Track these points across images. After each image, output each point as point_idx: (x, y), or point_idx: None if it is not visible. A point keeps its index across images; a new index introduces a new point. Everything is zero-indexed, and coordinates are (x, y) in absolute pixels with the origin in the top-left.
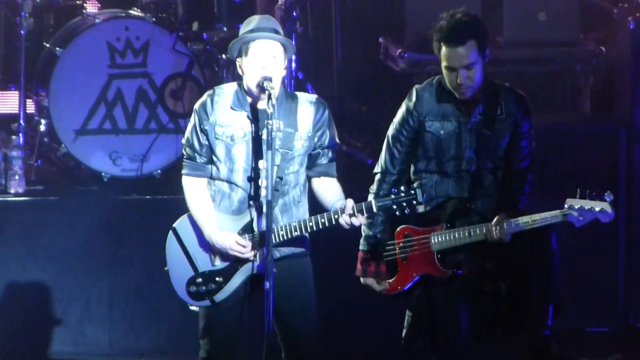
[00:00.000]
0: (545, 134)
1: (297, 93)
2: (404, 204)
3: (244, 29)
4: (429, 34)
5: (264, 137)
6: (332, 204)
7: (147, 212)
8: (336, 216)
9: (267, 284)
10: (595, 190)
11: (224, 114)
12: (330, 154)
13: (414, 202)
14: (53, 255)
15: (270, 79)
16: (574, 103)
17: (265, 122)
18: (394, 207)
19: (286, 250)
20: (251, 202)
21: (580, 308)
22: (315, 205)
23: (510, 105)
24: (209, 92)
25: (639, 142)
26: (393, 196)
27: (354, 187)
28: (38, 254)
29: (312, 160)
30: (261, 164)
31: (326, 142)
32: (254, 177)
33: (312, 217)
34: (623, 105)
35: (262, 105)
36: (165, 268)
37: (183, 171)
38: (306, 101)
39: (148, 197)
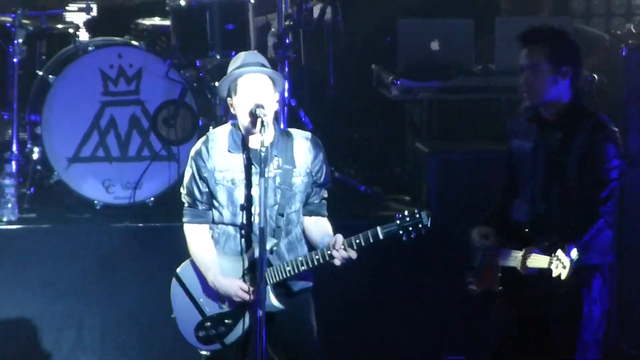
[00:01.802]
0: None
1: (290, 130)
2: (410, 228)
3: (230, 67)
4: (420, 61)
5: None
6: (320, 240)
7: (140, 240)
8: (329, 252)
9: (260, 312)
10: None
11: (221, 158)
12: (323, 193)
13: (420, 225)
14: (45, 282)
15: (262, 106)
16: None
17: (259, 149)
18: (401, 232)
19: (297, 285)
20: (254, 243)
21: None
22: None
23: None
24: (203, 139)
25: (632, 167)
26: (398, 221)
27: (346, 214)
28: (30, 281)
29: (305, 199)
30: (254, 191)
31: (321, 180)
32: (246, 206)
33: (318, 250)
34: None
35: (255, 142)
36: (172, 315)
37: (184, 219)
38: (302, 137)
39: (141, 224)
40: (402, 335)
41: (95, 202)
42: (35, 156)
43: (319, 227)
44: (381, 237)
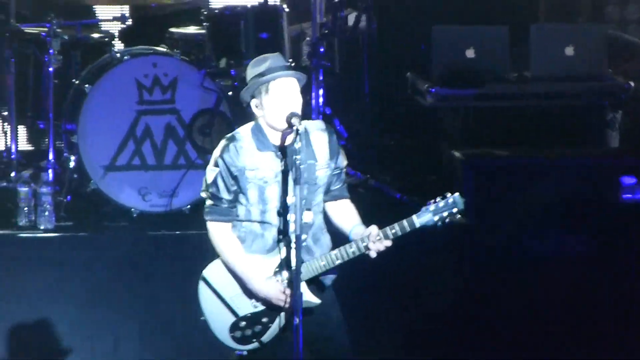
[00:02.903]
0: (572, 169)
1: (304, 123)
2: (445, 213)
3: (256, 68)
4: (456, 69)
5: (292, 173)
6: (350, 229)
7: (177, 248)
8: (364, 244)
9: (297, 320)
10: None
11: (251, 158)
12: (342, 175)
13: (454, 210)
14: (82, 291)
15: (298, 115)
16: (602, 138)
17: (294, 157)
18: (436, 218)
19: (329, 279)
20: (281, 237)
21: None
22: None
23: None
24: (228, 137)
25: None
26: (432, 208)
27: (382, 221)
28: (67, 289)
29: (326, 185)
30: (289, 199)
31: (340, 163)
32: (283, 213)
33: (353, 243)
34: None
35: (284, 141)
36: (202, 318)
37: (207, 217)
38: (317, 129)
39: (177, 232)
40: (435, 337)
41: (132, 210)
42: (71, 165)
43: (345, 211)
44: (417, 225)
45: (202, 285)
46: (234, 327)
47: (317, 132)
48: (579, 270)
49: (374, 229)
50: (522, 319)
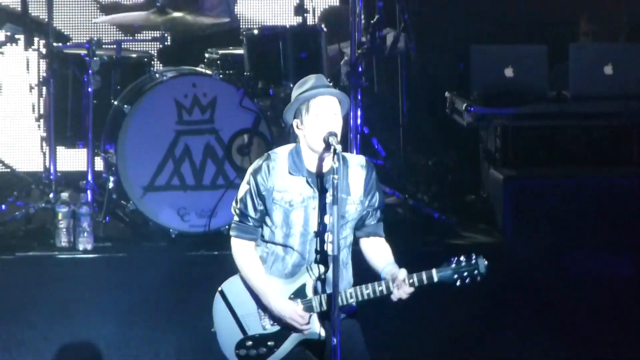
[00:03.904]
0: (611, 189)
1: (345, 155)
2: (465, 274)
3: (298, 90)
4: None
5: (328, 195)
6: (382, 268)
7: (215, 268)
8: (393, 285)
9: (335, 340)
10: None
11: (281, 180)
12: (378, 214)
13: (475, 272)
14: (121, 311)
15: (335, 135)
16: None
17: (331, 177)
18: (455, 276)
19: (340, 315)
20: (309, 268)
21: None
22: (362, 266)
23: None
24: (264, 157)
25: None
26: (454, 265)
27: (420, 242)
28: (107, 310)
29: (360, 221)
30: (327, 219)
31: (376, 204)
32: (319, 233)
33: (370, 285)
34: None
35: (320, 167)
36: (212, 329)
37: (232, 232)
38: (357, 165)
39: (216, 252)
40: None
41: (171, 230)
42: (110, 185)
43: (378, 249)
44: (435, 280)
45: (217, 298)
46: (240, 345)
47: (356, 167)
48: (621, 292)
49: (402, 273)
50: (557, 341)
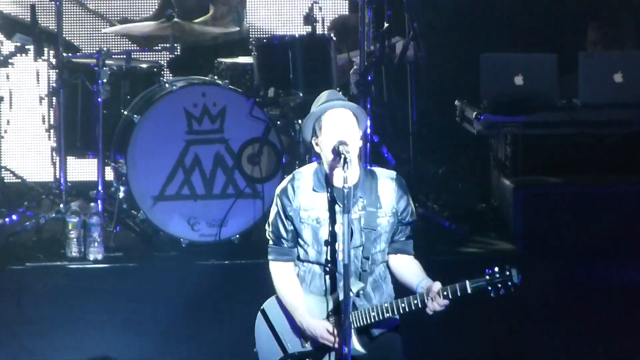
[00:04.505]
0: (622, 197)
1: (374, 169)
2: (499, 285)
3: (313, 107)
4: (504, 96)
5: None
6: (417, 282)
7: (226, 277)
8: (430, 297)
9: (346, 349)
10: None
11: (306, 198)
12: (408, 231)
13: (509, 283)
14: (132, 321)
15: (345, 143)
16: None
17: (342, 186)
18: (489, 288)
19: (378, 329)
20: (338, 277)
21: None
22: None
23: None
24: (289, 177)
25: None
26: (488, 277)
27: (430, 251)
28: (117, 320)
29: (389, 234)
30: (337, 227)
31: (407, 219)
32: (330, 242)
33: (405, 299)
34: None
35: (339, 180)
36: (255, 349)
37: (270, 257)
38: (386, 177)
39: (226, 262)
40: None
41: (181, 239)
42: (120, 195)
43: (409, 268)
44: (469, 291)
45: (259, 318)
46: None
47: (386, 180)
48: (634, 301)
49: (436, 285)
50: (569, 348)
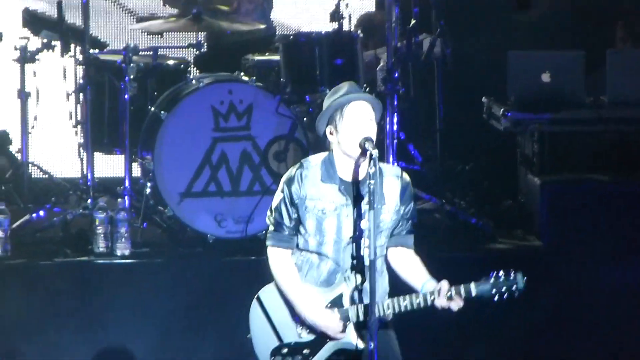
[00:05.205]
0: None
1: (380, 165)
2: (503, 289)
3: (331, 97)
4: (531, 93)
5: (364, 201)
6: (422, 283)
7: (252, 274)
8: (432, 298)
9: (372, 344)
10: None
11: (313, 188)
12: (409, 226)
13: (513, 288)
14: (158, 317)
15: (371, 140)
16: None
17: (367, 182)
18: (493, 291)
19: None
20: (346, 277)
21: None
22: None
23: None
24: (297, 165)
25: None
26: (492, 280)
27: (456, 247)
28: (143, 315)
29: (390, 230)
30: (364, 223)
31: (408, 215)
32: (355, 240)
33: (407, 297)
34: None
35: (357, 173)
36: (248, 336)
37: (268, 242)
38: (392, 175)
39: (253, 257)
40: None
41: (208, 236)
42: (147, 191)
43: (410, 262)
44: (473, 294)
45: (254, 305)
46: (275, 352)
47: (391, 177)
48: None
49: (445, 284)
50: (595, 346)
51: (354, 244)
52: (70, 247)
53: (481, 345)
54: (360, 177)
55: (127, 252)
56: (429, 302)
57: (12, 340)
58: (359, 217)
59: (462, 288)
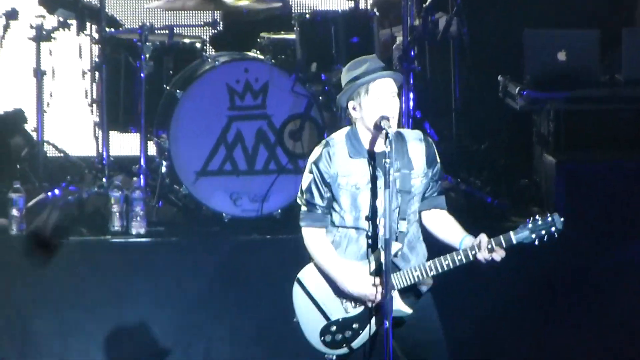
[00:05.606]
0: None
1: (402, 131)
2: (543, 232)
3: (354, 71)
4: (547, 72)
5: (382, 178)
6: (460, 240)
7: (268, 252)
8: (474, 252)
9: (387, 323)
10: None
11: (343, 164)
12: (438, 187)
13: (552, 229)
14: (174, 295)
15: (388, 119)
16: None
17: (383, 161)
18: (533, 236)
19: (425, 287)
20: (380, 247)
21: None
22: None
23: None
24: (322, 144)
25: None
26: (530, 225)
27: (473, 226)
28: (159, 294)
29: (422, 194)
30: (379, 203)
31: (437, 176)
32: (371, 217)
33: (448, 255)
34: None
35: (377, 147)
36: (295, 319)
37: (302, 223)
38: (415, 139)
39: (268, 236)
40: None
41: (223, 215)
42: (163, 170)
43: (445, 223)
44: (514, 242)
45: (296, 288)
46: (324, 331)
47: (414, 142)
48: None
49: (484, 237)
50: (609, 327)
51: (392, 224)
52: (86, 225)
53: (503, 322)
54: (377, 147)
55: (142, 231)
56: (471, 257)
57: (27, 319)
58: (375, 195)
59: (501, 238)
